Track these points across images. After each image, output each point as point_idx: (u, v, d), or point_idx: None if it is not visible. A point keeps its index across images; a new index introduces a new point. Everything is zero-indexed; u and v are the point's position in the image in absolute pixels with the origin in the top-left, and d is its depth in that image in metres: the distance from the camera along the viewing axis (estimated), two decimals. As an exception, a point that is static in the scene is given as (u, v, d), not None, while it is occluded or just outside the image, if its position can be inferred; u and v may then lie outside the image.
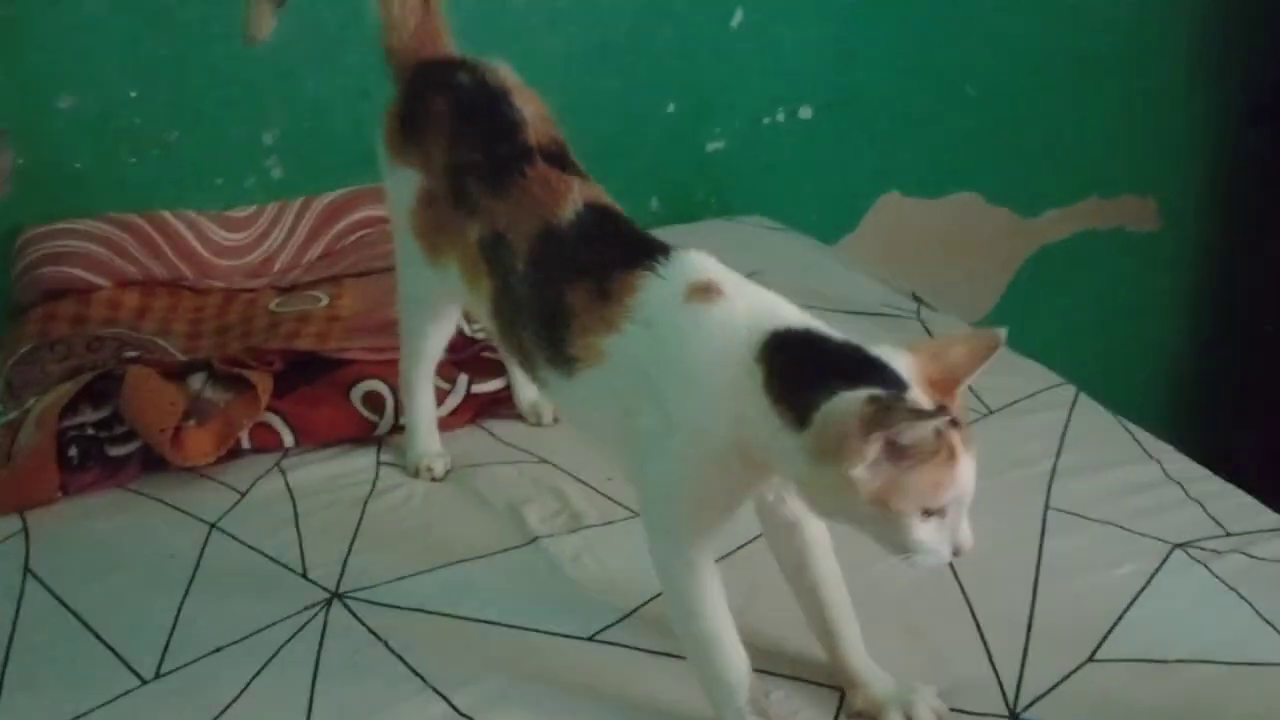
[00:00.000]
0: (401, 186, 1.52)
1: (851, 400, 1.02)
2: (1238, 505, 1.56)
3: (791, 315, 1.15)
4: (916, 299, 2.14)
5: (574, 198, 1.31)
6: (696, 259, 1.21)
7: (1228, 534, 1.50)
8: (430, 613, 1.41)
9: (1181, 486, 1.59)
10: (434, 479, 1.66)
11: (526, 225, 1.31)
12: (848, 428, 1.01)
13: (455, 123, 1.45)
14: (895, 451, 1.02)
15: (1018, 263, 2.91)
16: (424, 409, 1.69)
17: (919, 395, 1.05)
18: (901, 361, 1.07)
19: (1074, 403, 1.79)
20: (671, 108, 2.50)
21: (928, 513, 1.05)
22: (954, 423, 1.04)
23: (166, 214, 2.14)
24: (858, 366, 1.06)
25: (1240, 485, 1.61)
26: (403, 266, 1.59)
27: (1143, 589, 1.41)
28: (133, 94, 2.13)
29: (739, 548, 1.40)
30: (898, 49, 2.63)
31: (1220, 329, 3.11)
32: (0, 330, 2.00)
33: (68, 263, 2.03)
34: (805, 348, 1.11)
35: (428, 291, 1.56)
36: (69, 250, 2.04)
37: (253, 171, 2.24)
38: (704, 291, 1.17)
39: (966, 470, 1.06)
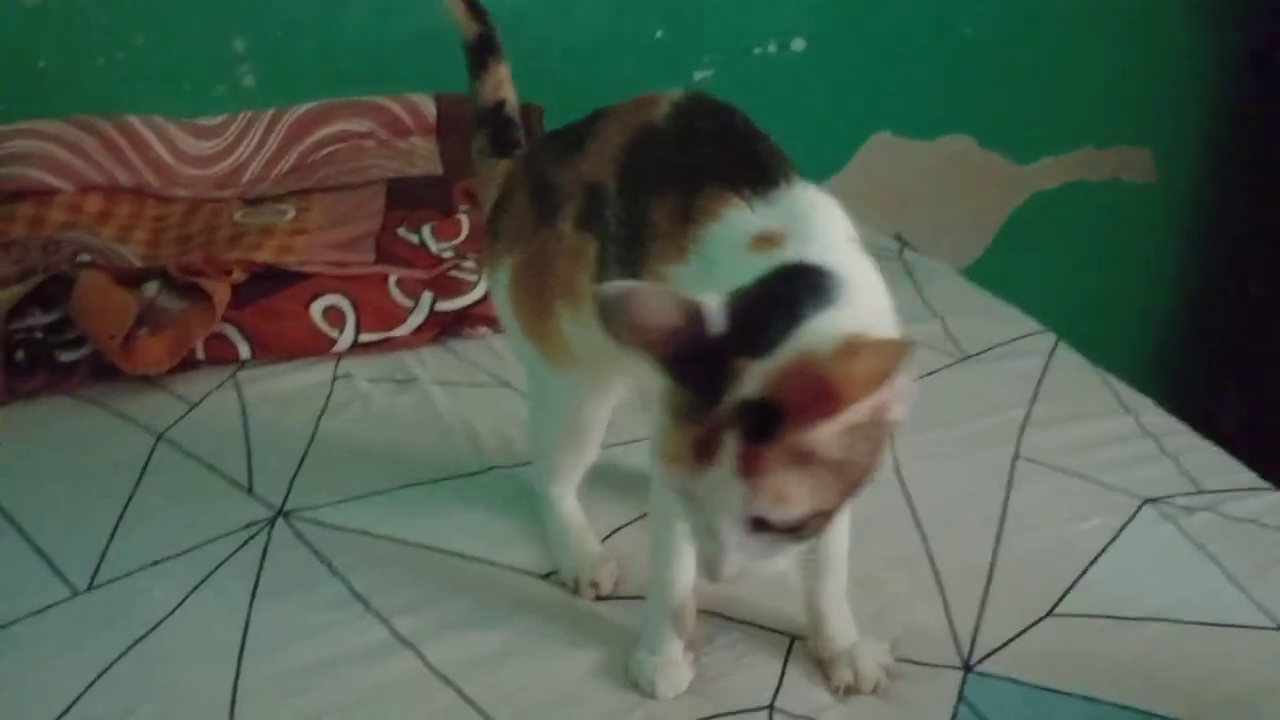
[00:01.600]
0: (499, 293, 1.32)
1: None
2: (1213, 461, 1.52)
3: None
4: (900, 240, 2.09)
5: (668, 95, 1.17)
6: (806, 200, 1.05)
7: (1200, 491, 1.46)
8: (377, 536, 1.37)
9: (1156, 440, 1.55)
10: (600, 596, 1.30)
11: (615, 139, 1.16)
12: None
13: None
14: None
15: (1008, 209, 2.85)
16: (575, 512, 1.37)
17: None
18: None
19: (1052, 351, 1.74)
20: (660, 34, 2.42)
21: None
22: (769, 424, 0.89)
23: (133, 118, 2.06)
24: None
25: (1220, 447, 1.58)
26: (539, 398, 1.36)
27: (1109, 544, 1.37)
28: (98, -9, 2.06)
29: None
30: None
31: (1209, 288, 3.05)
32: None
33: (27, 164, 1.97)
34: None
35: (568, 400, 1.29)
36: (29, 151, 1.98)
37: (223, 79, 2.17)
38: (768, 242, 0.99)
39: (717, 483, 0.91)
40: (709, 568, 0.96)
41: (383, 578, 1.30)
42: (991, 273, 2.79)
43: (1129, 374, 1.76)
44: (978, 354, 1.72)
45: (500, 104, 1.43)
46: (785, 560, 0.96)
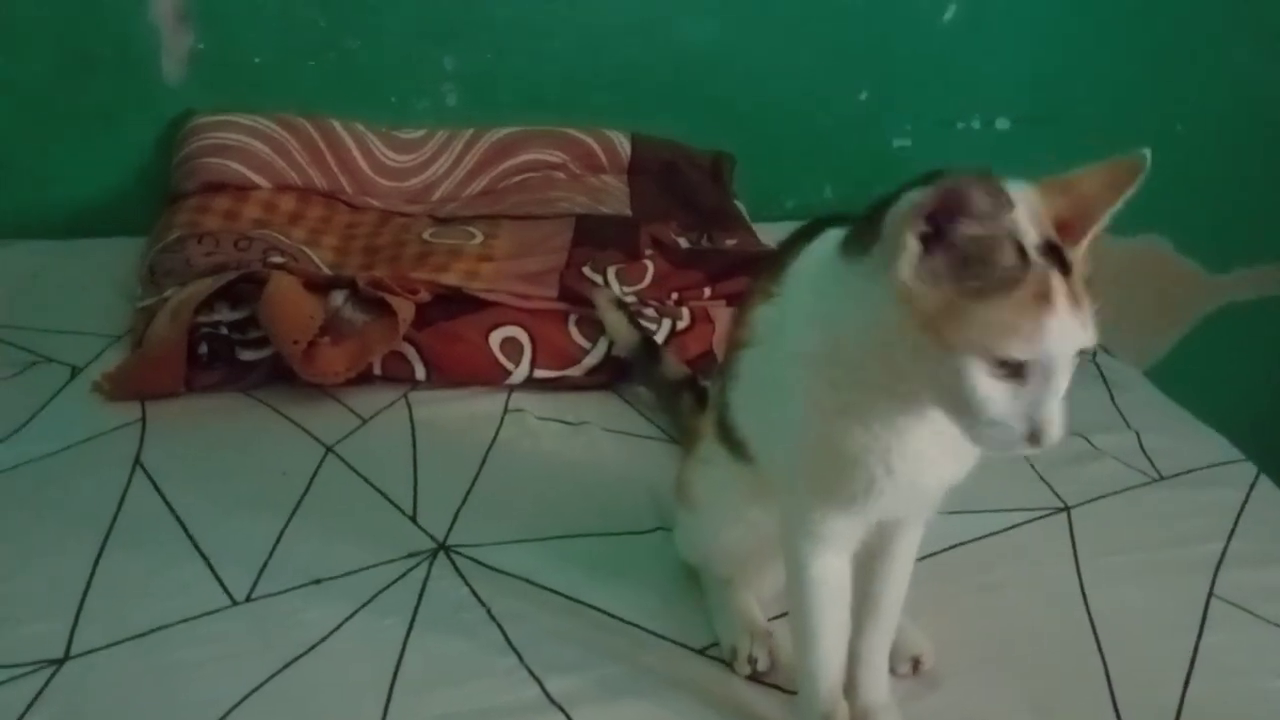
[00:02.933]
0: None
1: (917, 190, 0.88)
2: None
3: None
4: (1093, 341, 2.00)
5: None
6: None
7: None
8: (537, 585, 1.33)
9: (1365, 598, 1.44)
10: (756, 673, 1.24)
11: None
12: (901, 217, 0.88)
13: None
14: (962, 259, 0.87)
15: (1195, 318, 2.74)
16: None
17: (1026, 225, 0.88)
18: (1018, 190, 0.90)
19: (1254, 484, 1.64)
20: (864, 95, 2.37)
21: (1002, 366, 0.88)
22: (1064, 266, 0.88)
23: (335, 122, 2.09)
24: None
25: None
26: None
27: (1308, 705, 1.27)
28: (320, -5, 2.09)
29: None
30: (1112, 72, 2.47)
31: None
32: (154, 216, 1.96)
33: (230, 156, 2.00)
34: (878, 199, 0.95)
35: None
36: (233, 144, 2.01)
37: (428, 94, 2.18)
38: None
39: (1063, 329, 0.87)
40: (1042, 432, 0.90)
41: (539, 631, 1.27)
42: (1169, 380, 2.70)
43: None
44: (1174, 476, 1.63)
45: (691, 375, 1.63)
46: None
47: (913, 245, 0.89)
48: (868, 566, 1.17)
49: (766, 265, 1.14)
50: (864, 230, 0.95)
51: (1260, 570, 1.46)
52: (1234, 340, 2.76)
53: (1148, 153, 0.93)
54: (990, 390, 0.88)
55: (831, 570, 1.11)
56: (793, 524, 1.11)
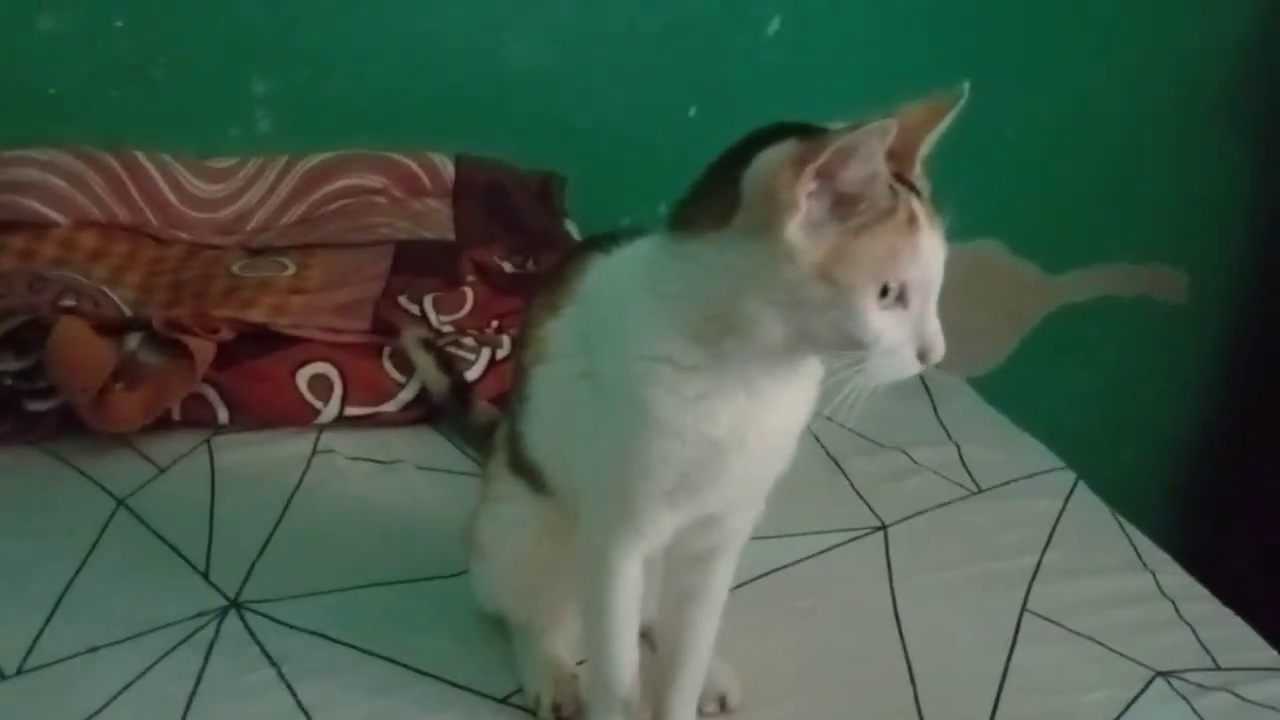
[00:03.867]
0: None
1: (776, 149, 0.91)
2: (1233, 635, 1.42)
3: None
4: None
5: None
6: None
7: (1218, 667, 1.36)
8: (332, 640, 1.28)
9: (1174, 605, 1.45)
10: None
11: None
12: (776, 177, 0.89)
13: None
14: (839, 201, 0.90)
15: (1031, 321, 2.77)
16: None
17: None
18: (841, 128, 0.92)
19: (1071, 491, 1.65)
20: (693, 111, 2.35)
21: (885, 293, 0.91)
22: (915, 190, 0.94)
23: (139, 154, 2.00)
24: (780, 135, 0.93)
25: (1228, 587, 1.49)
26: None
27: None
28: (119, 22, 2.00)
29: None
30: (940, 77, 2.47)
31: (1232, 420, 2.95)
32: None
33: (24, 193, 1.89)
34: (707, 172, 0.98)
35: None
36: (28, 181, 1.90)
37: (239, 121, 2.10)
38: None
39: (931, 247, 0.94)
40: (931, 347, 0.95)
41: (331, 690, 1.21)
42: (1007, 384, 2.72)
43: (1142, 501, 1.67)
44: (993, 488, 1.63)
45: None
46: None
47: (805, 204, 0.89)
48: (680, 605, 1.16)
49: (545, 285, 1.12)
50: (708, 202, 0.95)
51: (1073, 582, 1.47)
52: (1072, 341, 2.79)
53: (966, 85, 0.99)
54: (882, 320, 0.91)
55: (637, 570, 1.09)
56: (605, 526, 1.08)
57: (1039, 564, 1.49)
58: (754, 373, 0.98)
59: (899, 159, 0.95)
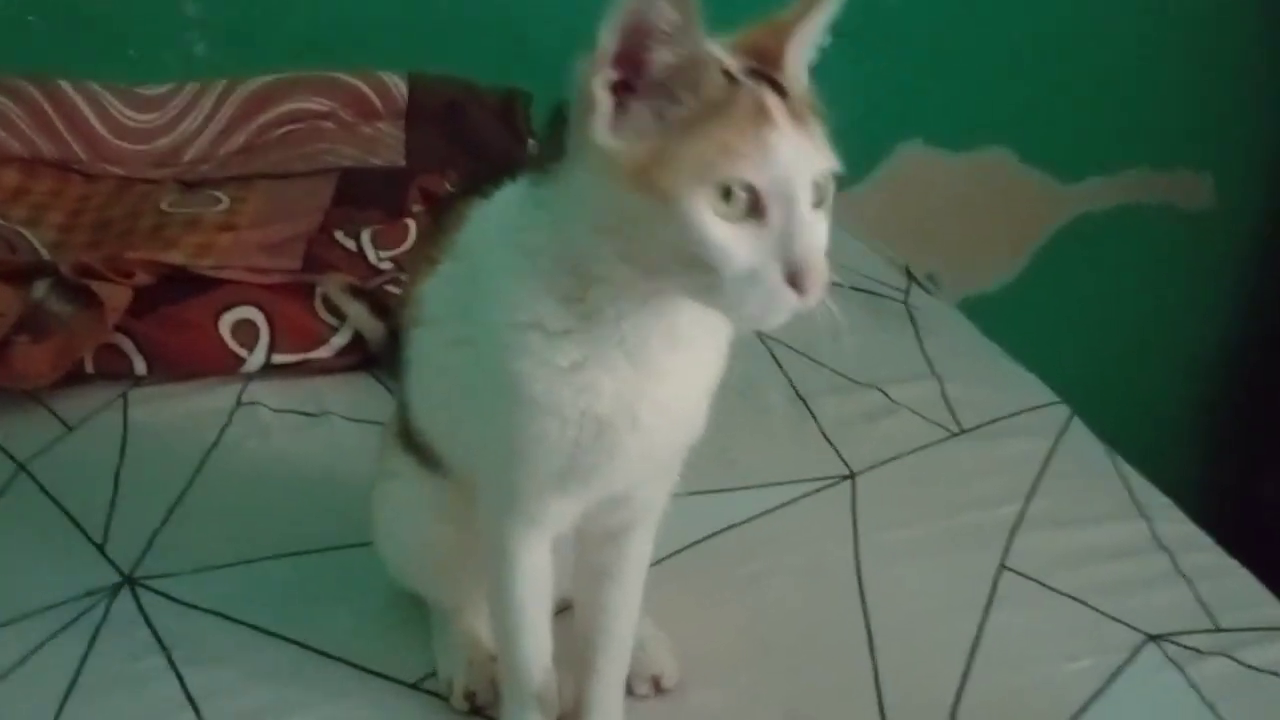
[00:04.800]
0: None
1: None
2: (1237, 589, 1.28)
3: None
4: (910, 276, 1.85)
5: None
6: None
7: (1217, 628, 1.22)
8: (232, 619, 1.17)
9: (1171, 556, 1.31)
10: (475, 708, 1.09)
11: None
12: (585, 74, 0.77)
13: None
14: (658, 95, 0.77)
15: (1046, 233, 2.59)
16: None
17: (725, 55, 0.80)
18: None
19: (1063, 429, 1.50)
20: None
21: (732, 204, 0.76)
22: (776, 88, 0.79)
23: (64, 83, 1.86)
24: None
25: (1256, 526, 1.34)
26: None
27: (1099, 692, 1.14)
28: (39, -60, 1.86)
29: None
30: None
31: (1264, 337, 2.77)
32: None
33: (-62, 130, 1.78)
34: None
35: None
36: (-58, 115, 1.79)
37: (171, 44, 1.96)
38: None
39: (790, 145, 0.77)
40: (803, 269, 0.77)
41: (223, 678, 1.10)
42: (1022, 302, 2.57)
43: (1165, 425, 1.52)
44: (975, 428, 1.49)
45: None
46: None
47: (604, 98, 0.77)
48: (595, 584, 1.04)
49: (425, 235, 0.99)
50: (553, 134, 0.83)
51: (1058, 533, 1.33)
52: (1088, 254, 2.62)
53: None
54: (726, 234, 0.76)
55: (541, 556, 0.98)
56: (500, 512, 0.96)
57: (1021, 514, 1.35)
58: (632, 334, 0.85)
59: (766, 57, 0.81)
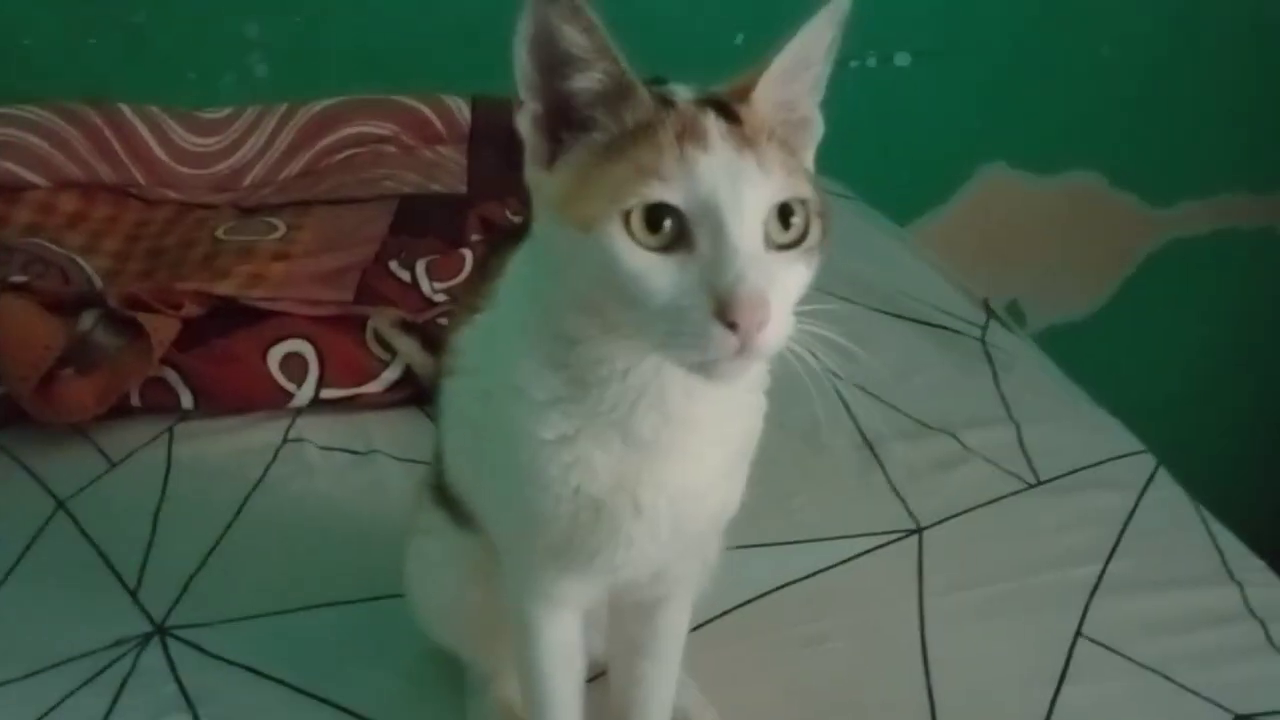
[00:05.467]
0: None
1: None
2: (1335, 665, 1.19)
3: None
4: (989, 311, 1.76)
5: None
6: None
7: (1313, 710, 1.13)
8: (263, 675, 1.12)
9: (1264, 626, 1.21)
10: None
11: None
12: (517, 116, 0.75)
13: None
14: (587, 123, 0.73)
15: (1135, 259, 2.49)
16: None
17: (678, 88, 0.76)
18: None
19: (1149, 481, 1.41)
20: (740, 39, 2.12)
21: (655, 233, 0.70)
22: (728, 114, 0.73)
23: (124, 107, 1.85)
24: None
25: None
26: None
27: (1182, 780, 1.06)
28: (97, -36, 1.85)
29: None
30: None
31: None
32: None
33: (1, 154, 1.76)
34: None
35: None
36: (4, 140, 1.77)
37: (232, 67, 1.94)
38: None
39: (721, 165, 0.71)
40: (732, 300, 0.69)
41: (251, 742, 1.06)
42: (1108, 331, 2.46)
43: (1261, 475, 1.42)
44: (1053, 480, 1.40)
45: None
46: (794, 287, 0.73)
47: (530, 133, 0.74)
48: (628, 656, 0.98)
49: (469, 282, 0.94)
50: None
51: (1140, 597, 1.24)
52: (1181, 282, 2.51)
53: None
54: (644, 262, 0.70)
55: (568, 632, 0.92)
56: (519, 584, 0.90)
57: (1100, 575, 1.26)
58: (620, 405, 0.78)
59: (742, 91, 0.75)
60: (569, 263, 0.73)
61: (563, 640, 0.91)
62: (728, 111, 0.73)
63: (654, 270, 0.70)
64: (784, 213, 0.72)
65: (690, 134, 0.71)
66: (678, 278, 0.70)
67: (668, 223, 0.70)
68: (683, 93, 0.76)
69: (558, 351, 0.78)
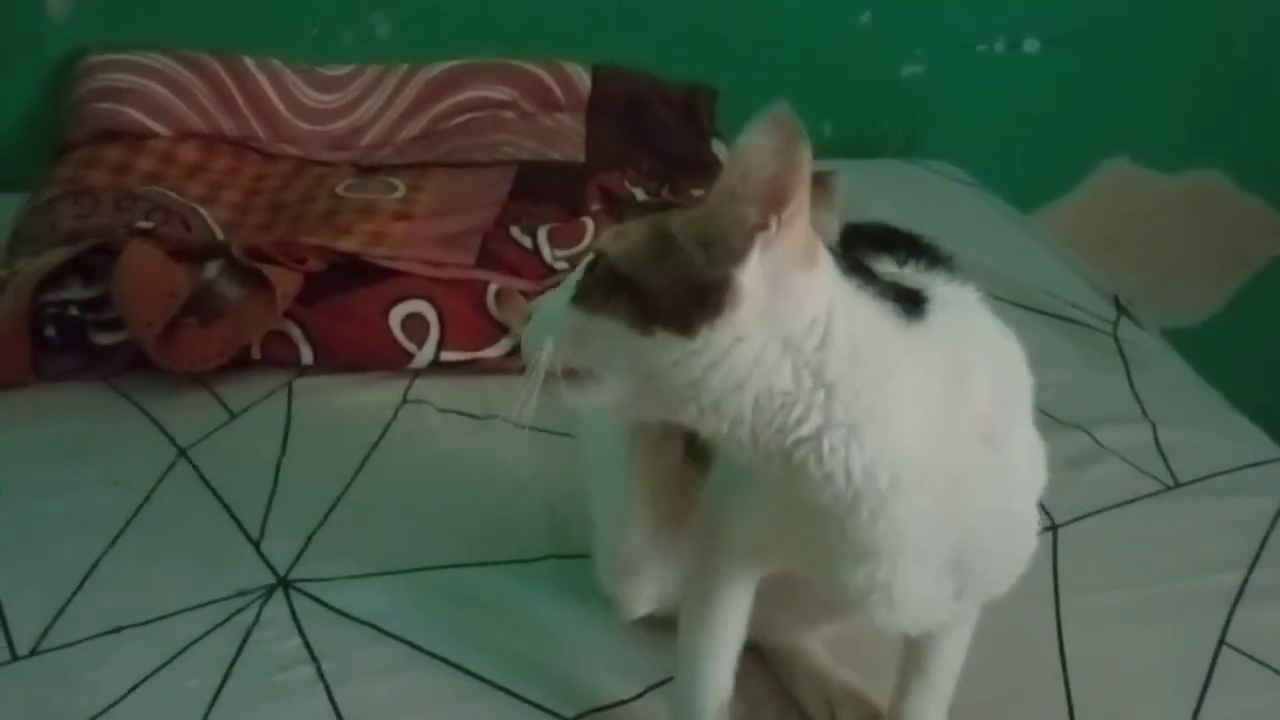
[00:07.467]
0: None
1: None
2: None
3: None
4: (1118, 306, 1.71)
5: None
6: None
7: None
8: (385, 632, 1.10)
9: None
10: None
11: None
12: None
13: None
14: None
15: (1257, 264, 2.41)
16: None
17: None
18: None
19: (1292, 488, 1.36)
20: (866, 17, 2.08)
21: None
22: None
23: (248, 59, 1.85)
24: None
25: None
26: None
27: (1332, 797, 1.01)
28: (228, -86, 1.84)
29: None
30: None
31: None
32: (39, 169, 1.73)
33: (125, 100, 1.77)
34: None
35: None
36: (129, 86, 1.78)
37: (354, 25, 1.92)
38: None
39: None
40: None
41: (376, 696, 1.04)
42: (1223, 337, 2.39)
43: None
44: (1192, 482, 1.35)
45: None
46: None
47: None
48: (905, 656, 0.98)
49: None
50: None
51: (1287, 608, 1.19)
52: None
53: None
54: None
55: (740, 611, 0.92)
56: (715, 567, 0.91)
57: (1244, 583, 1.21)
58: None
59: None
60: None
61: (734, 622, 0.91)
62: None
63: None
64: None
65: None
66: None
67: None
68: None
69: None
